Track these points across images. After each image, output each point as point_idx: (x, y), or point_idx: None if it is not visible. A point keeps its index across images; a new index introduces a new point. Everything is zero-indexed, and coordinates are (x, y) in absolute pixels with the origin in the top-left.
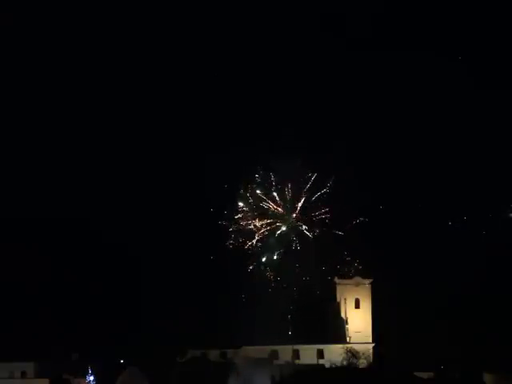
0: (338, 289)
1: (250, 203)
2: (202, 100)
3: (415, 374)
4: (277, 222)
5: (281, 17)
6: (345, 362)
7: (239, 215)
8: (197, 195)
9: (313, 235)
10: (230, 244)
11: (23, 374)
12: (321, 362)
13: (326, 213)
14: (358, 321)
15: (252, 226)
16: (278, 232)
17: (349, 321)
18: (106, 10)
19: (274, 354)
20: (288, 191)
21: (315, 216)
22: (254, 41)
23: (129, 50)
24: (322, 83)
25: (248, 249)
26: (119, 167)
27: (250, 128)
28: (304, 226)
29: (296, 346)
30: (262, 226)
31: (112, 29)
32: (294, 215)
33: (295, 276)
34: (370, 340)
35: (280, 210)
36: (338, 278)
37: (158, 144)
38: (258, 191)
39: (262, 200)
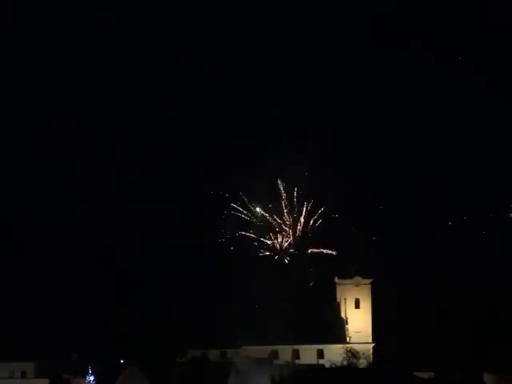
0: (338, 289)
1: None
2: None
3: (415, 373)
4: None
5: (283, 24)
6: (345, 362)
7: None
8: (196, 197)
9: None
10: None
11: (23, 374)
12: (321, 362)
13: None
14: (358, 321)
15: (254, 236)
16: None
17: (349, 321)
18: (110, 12)
19: (274, 354)
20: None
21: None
22: (257, 51)
23: (130, 53)
24: (321, 83)
25: (248, 250)
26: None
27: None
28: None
29: (296, 346)
30: (261, 234)
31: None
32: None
33: (295, 277)
34: (370, 340)
35: (279, 221)
36: (338, 278)
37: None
38: (257, 209)
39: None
